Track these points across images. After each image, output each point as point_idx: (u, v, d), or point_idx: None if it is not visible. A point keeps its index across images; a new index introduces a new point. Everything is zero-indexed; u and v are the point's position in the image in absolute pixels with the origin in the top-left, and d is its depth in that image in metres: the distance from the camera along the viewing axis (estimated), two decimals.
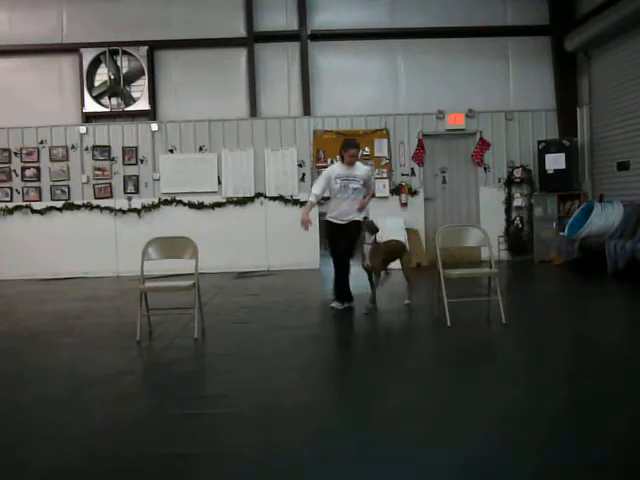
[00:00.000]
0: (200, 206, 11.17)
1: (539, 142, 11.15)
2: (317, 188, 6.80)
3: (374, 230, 6.60)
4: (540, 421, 3.43)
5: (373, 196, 7.52)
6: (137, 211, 11.15)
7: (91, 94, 11.44)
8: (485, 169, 11.49)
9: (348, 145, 6.80)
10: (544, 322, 6.19)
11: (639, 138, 9.68)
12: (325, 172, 7.01)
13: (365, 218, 6.77)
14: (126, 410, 3.88)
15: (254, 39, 11.54)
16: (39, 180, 11.19)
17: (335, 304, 6.85)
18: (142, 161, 11.25)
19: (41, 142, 11.20)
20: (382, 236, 10.60)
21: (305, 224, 6.62)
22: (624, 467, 2.86)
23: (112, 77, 11.42)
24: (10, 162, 11.17)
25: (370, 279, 6.80)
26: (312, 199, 6.79)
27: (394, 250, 6.98)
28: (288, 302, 7.77)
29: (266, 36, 11.57)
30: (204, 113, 11.32)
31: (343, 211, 6.73)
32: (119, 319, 6.82)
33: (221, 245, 10.76)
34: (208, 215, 11.17)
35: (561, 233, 10.22)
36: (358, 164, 6.93)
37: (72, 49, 11.44)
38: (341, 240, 6.72)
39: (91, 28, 11.43)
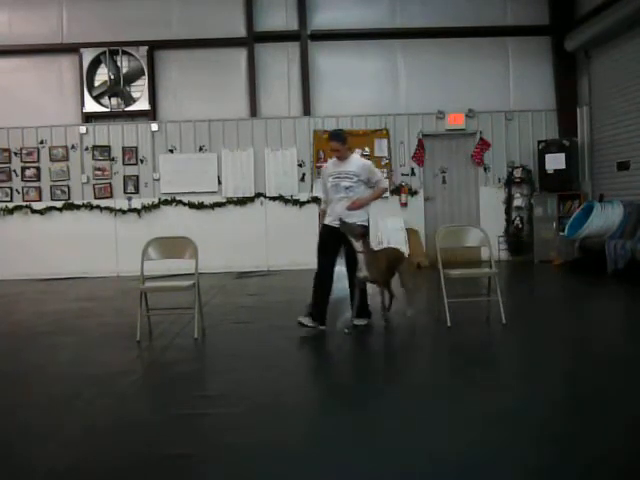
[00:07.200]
0: (200, 206, 11.17)
1: (539, 142, 11.14)
2: (320, 192, 6.44)
3: (356, 233, 5.55)
4: (540, 421, 3.43)
5: (381, 194, 6.09)
6: (137, 211, 11.15)
7: (91, 94, 11.45)
8: (485, 169, 11.49)
9: (330, 137, 5.99)
10: (544, 322, 6.19)
11: (639, 138, 9.68)
12: (322, 171, 6.27)
13: (341, 220, 5.57)
14: (126, 410, 3.88)
15: (254, 39, 11.54)
16: (39, 180, 11.18)
17: (303, 319, 5.72)
18: (142, 161, 11.25)
19: (41, 142, 11.20)
20: (381, 239, 10.69)
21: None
22: (623, 467, 2.86)
23: (112, 77, 11.42)
24: (10, 162, 11.17)
25: (352, 292, 5.82)
26: (321, 206, 6.21)
27: (392, 259, 5.99)
28: (288, 302, 7.75)
29: (266, 36, 11.57)
30: (204, 113, 11.33)
31: (336, 213, 5.73)
32: (119, 319, 6.82)
33: (221, 245, 10.75)
34: (208, 215, 11.17)
35: (561, 233, 10.22)
36: (353, 158, 5.97)
37: (72, 49, 11.45)
38: (329, 247, 5.78)
39: (91, 28, 11.44)
